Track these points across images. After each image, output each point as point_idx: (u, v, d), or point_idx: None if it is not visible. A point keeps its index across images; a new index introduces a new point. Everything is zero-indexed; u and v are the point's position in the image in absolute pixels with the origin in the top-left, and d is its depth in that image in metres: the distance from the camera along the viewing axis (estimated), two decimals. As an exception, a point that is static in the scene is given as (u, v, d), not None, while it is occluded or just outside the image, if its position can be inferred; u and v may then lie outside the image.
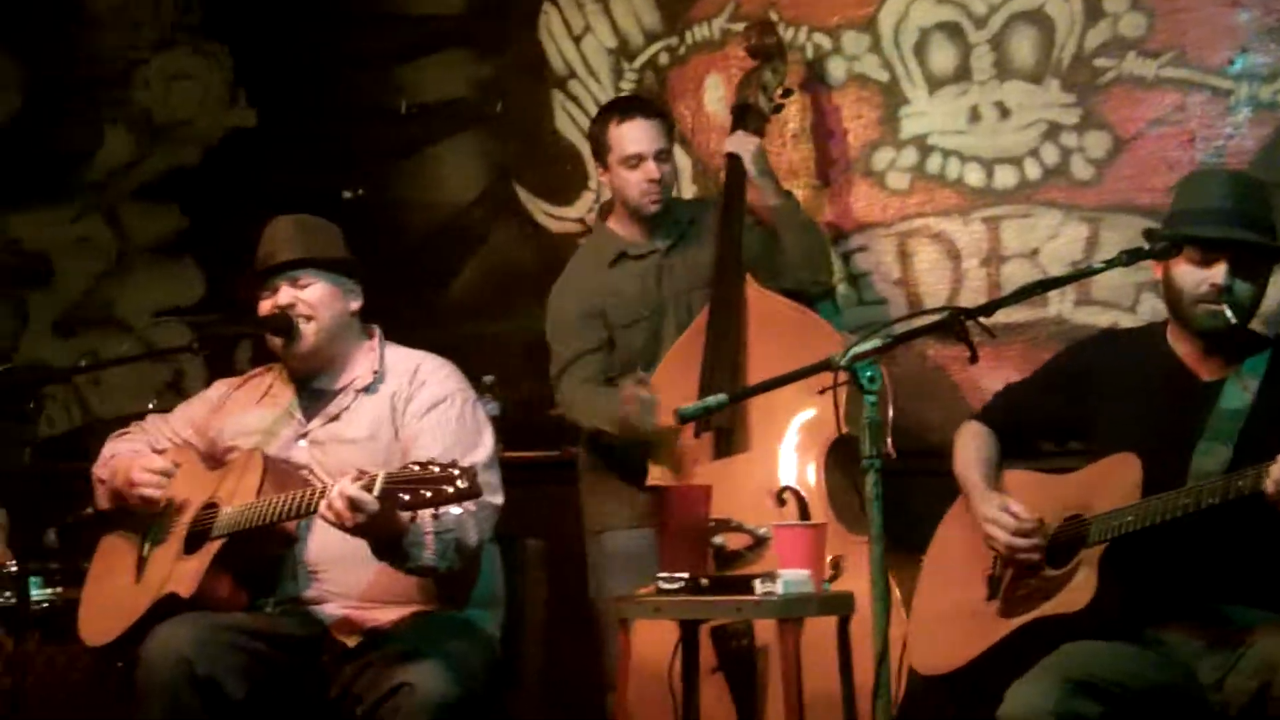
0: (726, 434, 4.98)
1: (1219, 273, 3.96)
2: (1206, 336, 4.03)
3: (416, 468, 3.86)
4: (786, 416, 4.87)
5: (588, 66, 6.09)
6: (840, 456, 4.87)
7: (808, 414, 4.81)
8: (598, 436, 5.22)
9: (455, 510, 3.98)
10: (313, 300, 4.46)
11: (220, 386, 4.74)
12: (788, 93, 5.48)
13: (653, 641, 4.51)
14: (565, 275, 5.43)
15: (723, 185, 5.30)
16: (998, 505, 4.11)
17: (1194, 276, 3.99)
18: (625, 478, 5.19)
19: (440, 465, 3.84)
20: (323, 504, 3.98)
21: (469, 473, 3.82)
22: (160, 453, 4.65)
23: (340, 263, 4.53)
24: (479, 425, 4.41)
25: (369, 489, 3.88)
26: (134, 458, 4.56)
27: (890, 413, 4.82)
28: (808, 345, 4.81)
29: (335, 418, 4.46)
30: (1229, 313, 3.96)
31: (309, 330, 4.45)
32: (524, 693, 4.48)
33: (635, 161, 5.21)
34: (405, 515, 3.96)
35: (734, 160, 5.26)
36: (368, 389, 4.47)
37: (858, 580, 4.18)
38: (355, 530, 3.98)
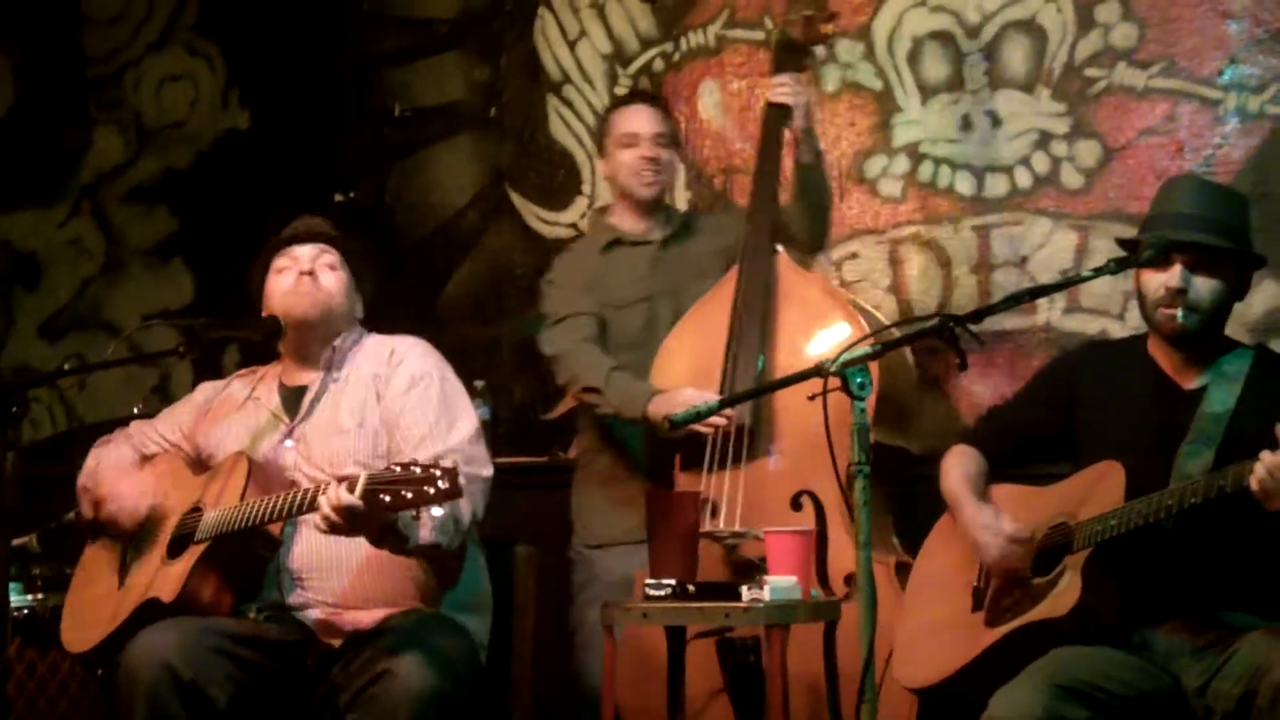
0: (750, 433, 4.81)
1: (1174, 275, 3.98)
2: (1178, 341, 4.05)
3: (398, 469, 3.84)
4: (814, 417, 4.70)
5: (582, 72, 6.10)
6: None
7: (835, 415, 4.65)
8: (584, 393, 5.02)
9: (438, 511, 3.97)
10: (332, 282, 4.47)
11: (205, 390, 4.72)
12: (831, 17, 5.13)
13: (649, 651, 4.52)
14: (556, 263, 5.33)
15: (759, 138, 5.10)
16: (991, 514, 4.12)
17: (1154, 281, 4.02)
18: (622, 497, 5.04)
19: (422, 466, 3.82)
20: (316, 517, 3.96)
21: (450, 473, 3.80)
22: (149, 458, 4.64)
23: (360, 268, 4.55)
24: (461, 400, 4.40)
25: (352, 490, 3.88)
26: (118, 471, 4.55)
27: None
28: (833, 333, 4.75)
29: (315, 400, 4.45)
30: (1180, 315, 3.98)
31: (320, 298, 4.44)
32: (516, 700, 4.47)
33: (630, 140, 5.13)
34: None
35: (776, 111, 5.05)
36: (332, 366, 4.47)
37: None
38: (344, 533, 3.98)
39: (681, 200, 5.84)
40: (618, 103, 5.32)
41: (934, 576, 4.28)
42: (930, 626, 4.21)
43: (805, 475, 4.69)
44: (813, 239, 5.13)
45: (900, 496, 4.83)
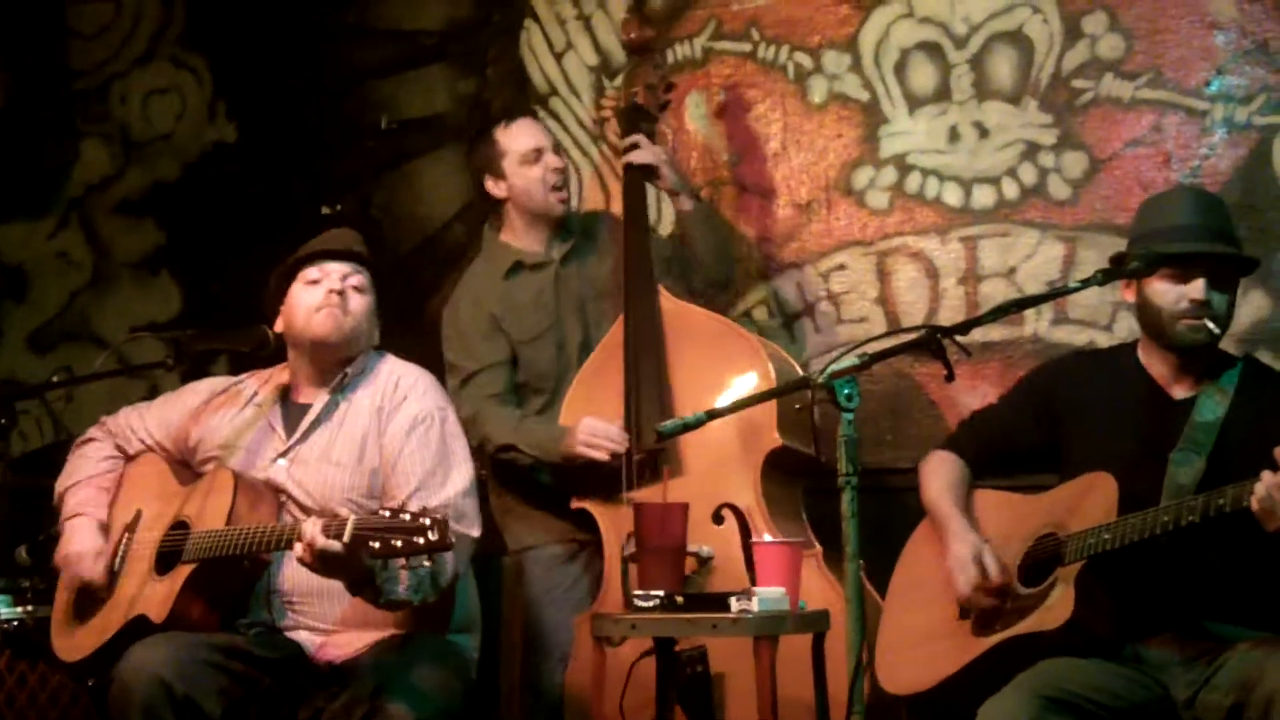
0: (659, 457, 4.88)
1: (1198, 287, 3.98)
2: (1186, 352, 4.05)
3: (387, 514, 3.84)
4: (718, 434, 4.74)
5: (569, 84, 6.09)
6: (778, 468, 4.85)
7: (739, 428, 4.79)
8: (499, 453, 5.08)
9: (426, 562, 3.96)
10: (359, 305, 4.46)
11: (202, 391, 4.68)
12: (670, 87, 5.39)
13: (610, 663, 4.53)
14: (458, 291, 5.34)
15: (623, 198, 5.24)
16: (971, 553, 4.11)
17: (1173, 293, 4.01)
18: (541, 500, 5.13)
19: (411, 514, 3.82)
20: (295, 550, 3.97)
21: (440, 524, 3.79)
22: (131, 458, 4.62)
23: (378, 295, 4.56)
24: (458, 447, 4.39)
25: (339, 535, 3.86)
26: (79, 541, 4.51)
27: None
28: (728, 354, 4.88)
29: (316, 424, 4.43)
30: (1211, 325, 3.99)
31: (346, 323, 4.44)
32: (505, 710, 4.46)
33: (535, 155, 5.19)
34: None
35: (634, 173, 5.22)
36: (340, 390, 4.45)
37: (806, 595, 4.26)
38: (323, 573, 3.98)
39: (669, 212, 5.84)
40: (496, 122, 5.33)
41: (918, 581, 4.28)
42: (915, 633, 4.21)
43: (718, 490, 4.80)
44: (717, 277, 5.26)
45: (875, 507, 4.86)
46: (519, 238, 5.27)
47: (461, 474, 4.33)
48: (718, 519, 4.72)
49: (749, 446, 4.81)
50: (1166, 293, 4.03)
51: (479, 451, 5.03)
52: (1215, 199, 4.28)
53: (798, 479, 4.90)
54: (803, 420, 4.82)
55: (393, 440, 4.34)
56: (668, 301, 5.05)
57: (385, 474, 4.31)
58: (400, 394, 4.42)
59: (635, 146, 5.23)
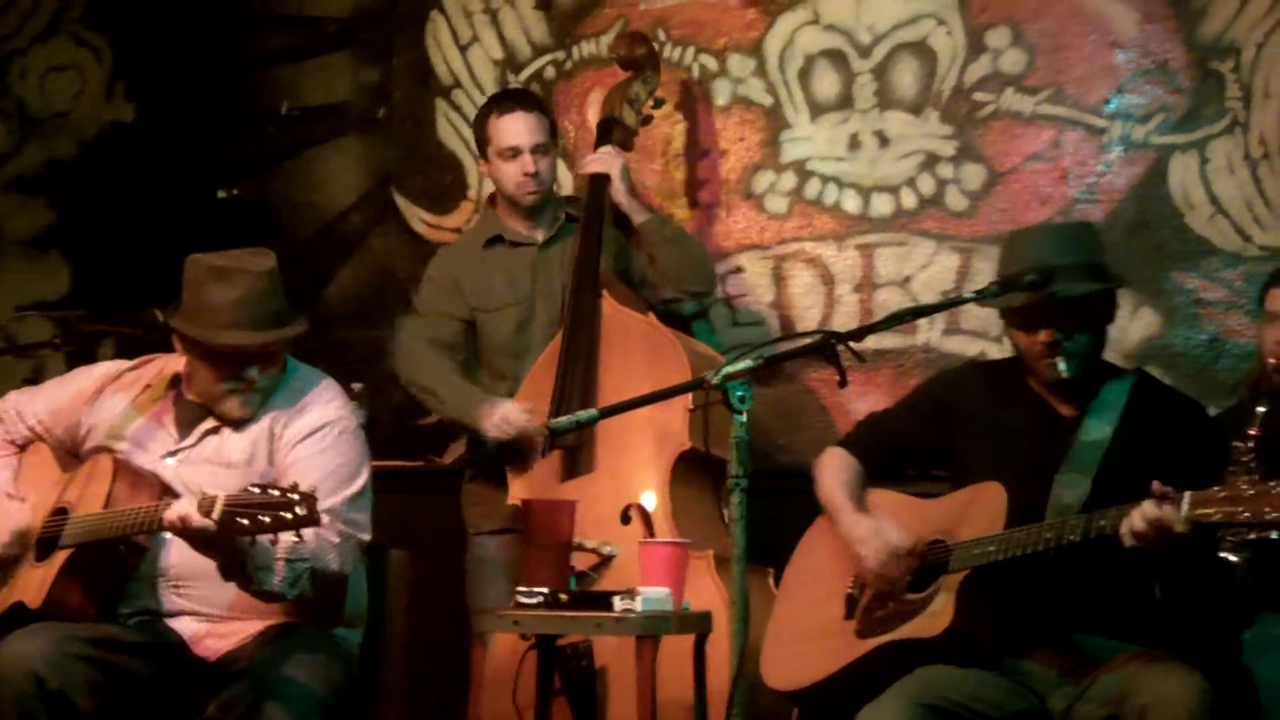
0: (574, 453, 4.98)
1: (1044, 335, 4.01)
2: (1055, 387, 4.09)
3: (256, 490, 3.82)
4: (631, 434, 4.86)
5: (473, 77, 6.07)
6: (688, 471, 4.89)
7: (652, 430, 4.84)
8: (418, 393, 5.27)
9: (294, 537, 3.94)
10: (275, 369, 4.38)
11: (97, 375, 4.57)
12: (659, 103, 5.49)
13: (501, 659, 4.54)
14: (445, 247, 5.57)
15: (585, 204, 5.27)
16: (870, 526, 4.13)
17: (1024, 339, 4.05)
18: (500, 483, 5.17)
19: (280, 490, 3.81)
20: (164, 520, 3.95)
21: (308, 499, 3.78)
22: (21, 447, 4.55)
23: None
24: (356, 457, 4.32)
25: (209, 512, 3.83)
26: None
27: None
28: (653, 357, 4.90)
29: (214, 431, 4.36)
30: (1062, 366, 4.02)
31: (257, 403, 4.35)
32: (385, 704, 4.44)
33: (512, 154, 5.22)
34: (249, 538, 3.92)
35: (596, 180, 5.27)
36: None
37: (693, 596, 4.25)
38: (198, 550, 3.95)
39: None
40: (496, 107, 5.34)
41: (807, 578, 4.29)
42: (801, 630, 4.23)
43: (628, 488, 4.85)
44: (690, 284, 5.24)
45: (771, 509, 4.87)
46: (506, 215, 5.34)
47: (355, 481, 4.28)
48: (625, 519, 4.73)
49: (660, 448, 4.86)
50: (1020, 338, 4.08)
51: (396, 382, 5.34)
52: (1077, 230, 4.30)
53: (719, 483, 4.81)
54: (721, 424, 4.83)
55: (287, 446, 4.29)
56: (609, 306, 5.10)
57: (277, 477, 4.24)
58: (303, 402, 4.35)
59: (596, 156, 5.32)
